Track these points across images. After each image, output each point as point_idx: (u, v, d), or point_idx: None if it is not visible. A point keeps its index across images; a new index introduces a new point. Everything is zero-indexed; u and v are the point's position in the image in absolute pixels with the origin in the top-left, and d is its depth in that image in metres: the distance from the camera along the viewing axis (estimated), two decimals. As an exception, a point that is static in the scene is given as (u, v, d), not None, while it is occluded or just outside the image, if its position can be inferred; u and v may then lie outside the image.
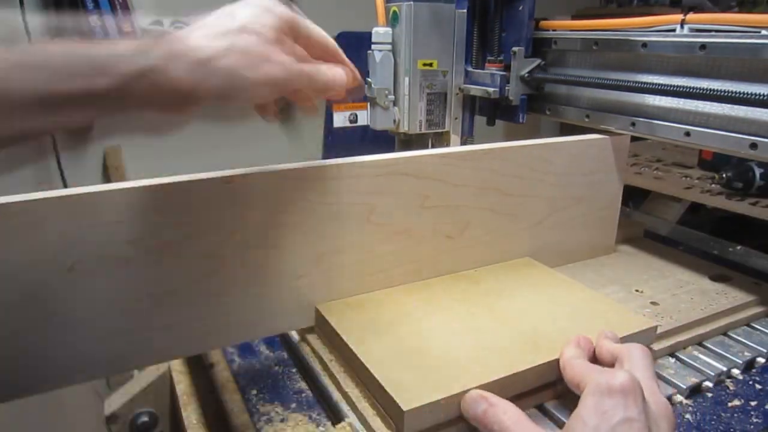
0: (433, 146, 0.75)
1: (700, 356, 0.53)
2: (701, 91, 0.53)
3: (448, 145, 0.75)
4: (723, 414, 0.47)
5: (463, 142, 0.76)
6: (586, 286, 0.57)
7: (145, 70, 0.31)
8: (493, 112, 0.75)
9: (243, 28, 0.35)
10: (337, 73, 0.42)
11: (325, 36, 0.43)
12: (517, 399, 0.45)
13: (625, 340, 0.48)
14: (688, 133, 0.58)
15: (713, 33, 0.54)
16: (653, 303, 0.59)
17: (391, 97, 0.70)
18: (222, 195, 0.45)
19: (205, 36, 0.34)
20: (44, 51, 0.30)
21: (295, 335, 0.57)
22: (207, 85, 0.33)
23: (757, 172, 0.98)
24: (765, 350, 0.54)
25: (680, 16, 0.57)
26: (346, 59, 0.45)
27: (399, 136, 0.75)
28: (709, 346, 0.55)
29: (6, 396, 0.41)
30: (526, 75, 0.69)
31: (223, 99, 0.35)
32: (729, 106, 0.54)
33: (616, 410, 0.32)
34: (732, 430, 0.45)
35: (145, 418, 0.65)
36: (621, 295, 0.61)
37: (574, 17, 0.73)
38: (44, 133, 0.32)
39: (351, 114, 0.71)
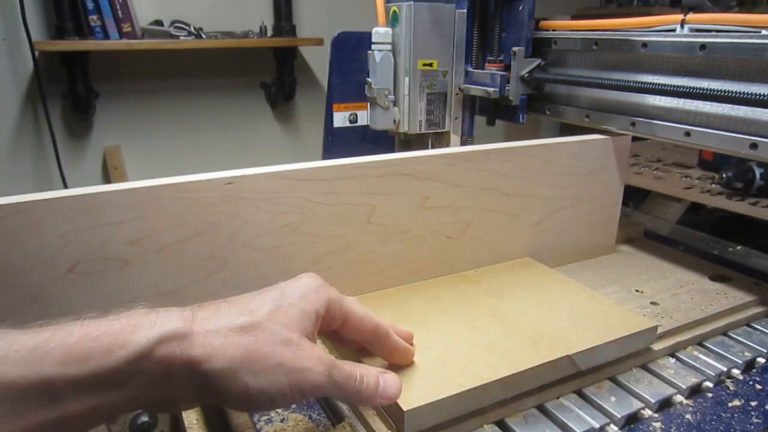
0: (433, 146, 0.75)
1: (700, 356, 0.53)
2: (701, 91, 0.53)
3: (448, 145, 0.75)
4: (723, 414, 0.47)
5: (463, 143, 0.76)
6: (586, 286, 0.57)
7: (167, 335, 0.29)
8: (493, 112, 0.75)
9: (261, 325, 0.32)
10: (390, 383, 0.38)
11: (368, 318, 0.38)
12: (517, 399, 0.45)
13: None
14: (688, 133, 0.58)
15: (713, 33, 0.54)
16: (653, 303, 0.59)
17: (391, 97, 0.70)
18: (222, 195, 0.45)
19: (234, 315, 0.31)
20: (56, 331, 0.28)
21: (295, 335, 0.57)
22: (222, 355, 0.30)
23: (757, 172, 0.98)
24: (765, 350, 0.54)
25: (680, 16, 0.57)
26: (399, 342, 0.41)
27: (399, 136, 0.75)
28: (709, 346, 0.55)
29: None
30: (526, 75, 0.69)
31: (225, 394, 0.31)
32: (729, 106, 0.54)
33: None
34: (732, 430, 0.45)
35: (145, 418, 0.65)
36: (621, 295, 0.61)
37: (574, 17, 0.73)
38: None
39: (351, 114, 0.71)
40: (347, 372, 0.35)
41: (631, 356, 0.50)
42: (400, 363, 0.42)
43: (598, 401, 0.46)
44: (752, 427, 0.45)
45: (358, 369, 0.36)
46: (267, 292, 0.35)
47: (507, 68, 0.70)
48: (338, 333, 0.39)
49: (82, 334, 0.28)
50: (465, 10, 0.69)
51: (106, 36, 1.73)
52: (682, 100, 0.58)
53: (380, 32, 0.68)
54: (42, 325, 0.28)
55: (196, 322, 0.31)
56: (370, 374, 0.37)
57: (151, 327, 0.29)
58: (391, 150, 0.76)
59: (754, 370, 0.53)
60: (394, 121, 0.71)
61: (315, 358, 0.33)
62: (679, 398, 0.48)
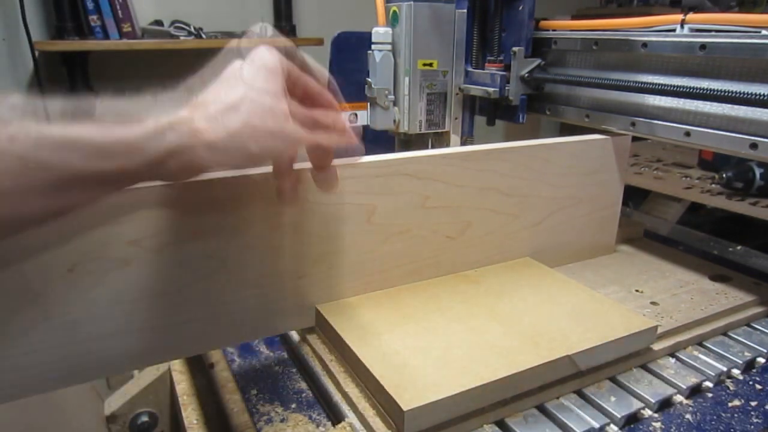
0: (433, 146, 0.75)
1: (700, 356, 0.53)
2: (701, 91, 0.53)
3: (448, 145, 0.75)
4: (723, 414, 0.47)
5: (463, 142, 0.76)
6: (586, 286, 0.57)
7: (172, 151, 0.33)
8: (493, 112, 0.75)
9: (245, 98, 0.36)
10: (339, 122, 0.42)
11: (316, 86, 0.42)
12: (517, 399, 0.45)
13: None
14: (688, 133, 0.58)
15: (713, 33, 0.54)
16: (653, 303, 0.59)
17: (391, 97, 0.70)
18: (222, 195, 0.45)
19: (215, 112, 0.35)
20: (80, 130, 0.31)
21: (295, 335, 0.57)
22: (225, 161, 0.36)
23: (757, 172, 0.98)
24: (765, 350, 0.54)
25: (680, 16, 0.57)
26: (335, 104, 0.44)
27: (399, 136, 0.75)
28: (709, 346, 0.55)
29: (7, 396, 0.41)
30: (526, 75, 0.69)
31: (237, 160, 0.36)
32: (729, 106, 0.54)
33: None
34: (732, 430, 0.45)
35: (145, 418, 0.65)
36: (621, 295, 0.61)
37: (574, 17, 0.73)
38: (68, 212, 0.33)
39: (351, 114, 0.71)
40: (322, 121, 0.40)
41: (631, 356, 0.50)
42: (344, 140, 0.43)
43: (598, 401, 0.46)
44: (752, 427, 0.45)
45: (330, 114, 0.41)
46: (233, 68, 0.38)
47: (507, 68, 0.70)
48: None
49: (105, 133, 0.31)
50: (465, 10, 0.69)
51: (106, 36, 1.72)
52: (682, 100, 0.58)
53: (380, 32, 0.68)
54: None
55: (197, 108, 0.35)
56: (338, 118, 0.42)
57: (161, 114, 0.33)
58: (391, 150, 0.76)
59: (754, 370, 0.53)
60: (394, 121, 0.71)
61: (293, 125, 0.37)
62: (679, 398, 0.48)
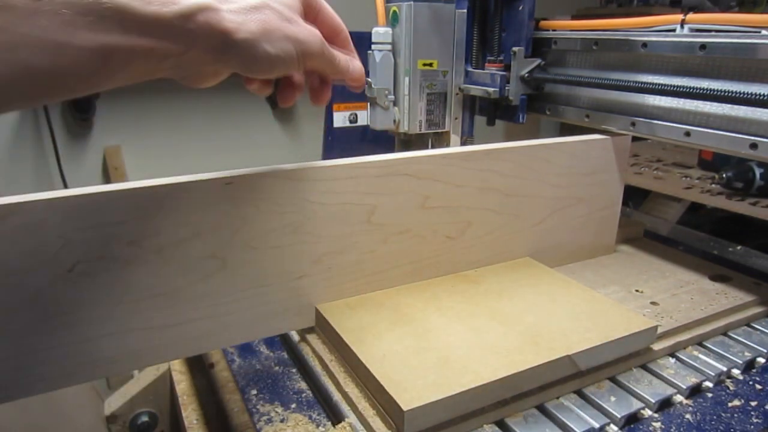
0: (433, 146, 0.75)
1: (700, 356, 0.53)
2: (701, 91, 0.53)
3: (448, 145, 0.75)
4: (723, 414, 0.47)
5: (463, 142, 0.76)
6: (586, 286, 0.57)
7: (203, 6, 0.34)
8: (493, 112, 0.75)
9: (267, 3, 0.38)
10: (357, 67, 0.46)
11: (337, 19, 0.45)
12: (517, 399, 0.45)
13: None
14: (688, 133, 0.58)
15: (713, 33, 0.54)
16: (653, 303, 0.59)
17: (391, 97, 0.70)
18: (222, 195, 0.45)
19: (238, 8, 0.37)
20: None
21: (295, 335, 0.57)
22: (246, 28, 0.36)
23: (757, 172, 0.98)
24: (765, 350, 0.54)
25: (680, 16, 0.57)
26: (353, 49, 0.47)
27: (399, 136, 0.75)
28: (709, 346, 0.55)
29: (6, 396, 0.41)
30: (526, 75, 0.69)
31: (252, 60, 0.38)
32: (729, 106, 0.54)
33: None
34: (732, 430, 0.45)
35: (145, 418, 0.65)
36: (621, 295, 0.61)
37: (574, 17, 0.73)
38: (106, 70, 0.33)
39: (351, 114, 0.71)
40: (330, 50, 0.43)
41: (631, 356, 0.50)
42: (348, 69, 0.46)
43: (598, 401, 0.46)
44: (752, 427, 0.45)
45: (337, 51, 0.45)
46: None
47: (507, 68, 0.70)
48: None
49: None
50: (465, 10, 0.69)
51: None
52: (682, 100, 0.58)
53: (380, 32, 0.68)
54: None
55: (223, 2, 0.36)
56: (343, 56, 0.45)
57: None
58: (391, 150, 0.76)
59: (754, 370, 0.53)
60: (394, 121, 0.71)
61: (312, 32, 0.41)
62: (679, 398, 0.48)
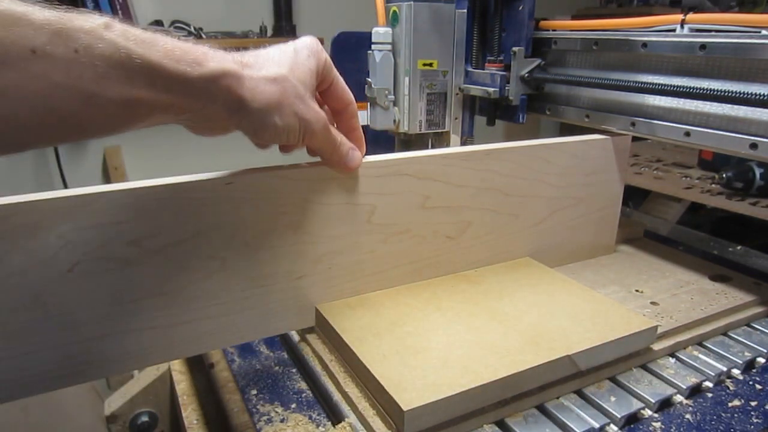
0: (433, 146, 0.75)
1: (700, 356, 0.53)
2: (701, 91, 0.53)
3: (448, 145, 0.75)
4: (723, 414, 0.47)
5: (463, 142, 0.76)
6: (586, 286, 0.57)
7: (227, 72, 0.37)
8: (493, 112, 0.75)
9: (286, 78, 0.41)
10: (356, 158, 0.49)
11: (348, 93, 0.47)
12: (517, 399, 0.45)
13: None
14: (688, 133, 0.58)
15: (713, 33, 0.54)
16: (653, 303, 0.59)
17: (391, 97, 0.70)
18: (222, 195, 0.45)
19: (258, 78, 0.39)
20: (156, 35, 0.35)
21: (295, 335, 0.57)
22: (262, 98, 0.39)
23: (757, 172, 0.98)
24: (765, 350, 0.54)
25: (680, 16, 0.57)
26: (359, 126, 0.50)
27: (399, 136, 0.75)
28: (709, 346, 0.55)
29: (6, 396, 0.41)
30: (526, 75, 0.69)
31: (260, 127, 0.40)
32: (729, 106, 0.54)
33: None
34: (732, 430, 0.45)
35: (145, 418, 0.65)
36: (621, 295, 0.61)
37: (574, 17, 0.73)
38: (131, 118, 0.35)
39: (351, 114, 0.71)
40: (333, 133, 0.46)
41: (631, 356, 0.50)
42: (346, 157, 0.48)
43: (598, 401, 0.46)
44: (752, 427, 0.45)
45: (339, 136, 0.47)
46: (284, 47, 0.43)
47: (507, 68, 0.70)
48: (320, 95, 0.47)
49: (174, 44, 0.35)
50: (465, 10, 0.69)
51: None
52: (682, 100, 0.58)
53: (380, 32, 0.68)
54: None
55: (245, 68, 0.39)
56: (345, 144, 0.48)
57: (219, 60, 0.37)
58: (391, 150, 0.76)
59: (754, 370, 0.53)
60: (394, 121, 0.71)
61: (318, 114, 0.43)
62: (679, 398, 0.48)
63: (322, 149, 0.46)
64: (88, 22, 0.31)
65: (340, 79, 0.46)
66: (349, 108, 0.48)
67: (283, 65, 0.41)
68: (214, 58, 0.36)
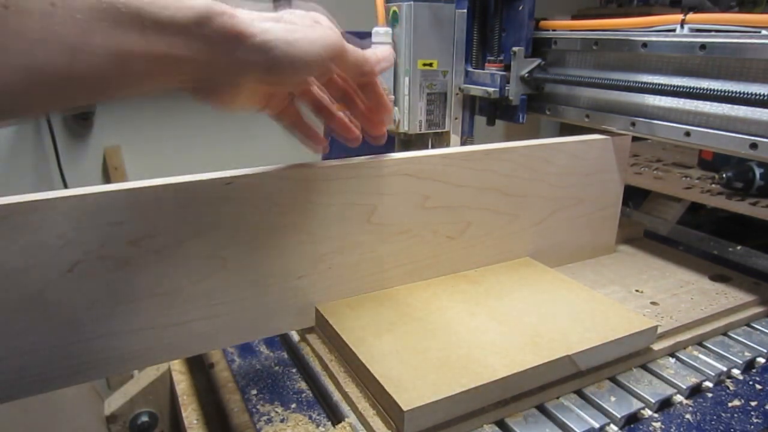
0: (433, 146, 0.75)
1: (700, 356, 0.53)
2: (701, 91, 0.53)
3: (448, 145, 0.75)
4: (723, 414, 0.47)
5: (463, 142, 0.76)
6: (586, 286, 0.57)
7: (218, 11, 0.34)
8: (493, 112, 0.75)
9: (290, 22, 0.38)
10: (380, 48, 0.46)
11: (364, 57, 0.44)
12: (517, 399, 0.45)
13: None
14: (688, 133, 0.58)
15: (713, 33, 0.54)
16: (653, 303, 0.59)
17: (391, 97, 0.70)
18: (222, 195, 0.45)
19: (258, 17, 0.37)
20: None
21: (295, 335, 0.57)
22: (263, 32, 0.36)
23: (757, 172, 0.98)
24: (765, 350, 0.54)
25: (680, 16, 0.57)
26: (381, 90, 0.48)
27: (399, 136, 0.75)
28: (709, 346, 0.55)
29: (6, 396, 0.41)
30: (526, 75, 0.69)
31: (272, 66, 0.37)
32: (729, 106, 0.54)
33: None
34: (732, 430, 0.45)
35: (145, 418, 0.65)
36: (621, 295, 0.61)
37: (574, 17, 0.73)
38: (125, 74, 0.33)
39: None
40: (353, 46, 0.42)
41: (631, 356, 0.50)
42: (380, 56, 0.46)
43: (598, 401, 0.46)
44: (752, 427, 0.45)
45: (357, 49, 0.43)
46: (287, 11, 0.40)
47: (507, 68, 0.70)
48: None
49: None
50: (465, 10, 0.69)
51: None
52: (682, 100, 0.58)
53: (380, 32, 0.68)
54: None
55: (237, 10, 0.35)
56: (369, 50, 0.45)
57: (207, 1, 0.34)
58: (391, 150, 0.76)
59: (754, 370, 0.53)
60: (394, 121, 0.71)
61: (335, 31, 0.40)
62: (679, 398, 0.48)
63: (354, 64, 0.43)
64: None
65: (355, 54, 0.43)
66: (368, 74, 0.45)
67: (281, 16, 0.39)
68: (202, 0, 0.34)
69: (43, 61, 0.29)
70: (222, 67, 0.35)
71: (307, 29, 0.38)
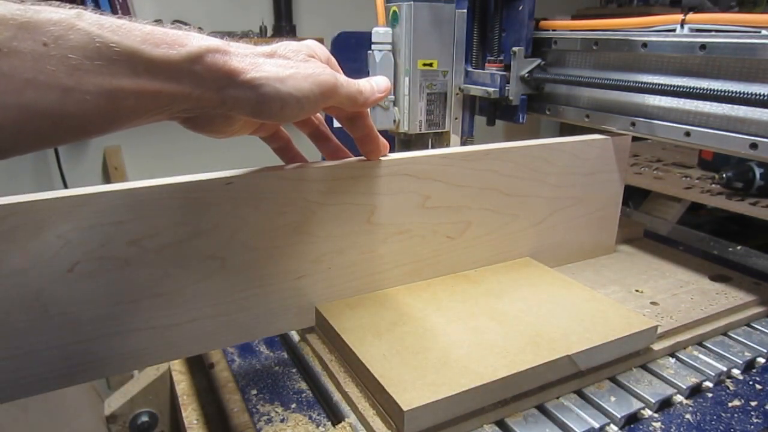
0: (433, 146, 0.75)
1: (700, 356, 0.53)
2: (701, 91, 0.53)
3: (448, 145, 0.75)
4: (723, 414, 0.47)
5: (463, 142, 0.76)
6: (586, 286, 0.57)
7: (211, 48, 0.34)
8: (493, 112, 0.75)
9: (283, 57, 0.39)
10: (379, 80, 0.45)
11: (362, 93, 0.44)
12: (517, 399, 0.45)
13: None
14: (688, 133, 0.58)
15: (713, 33, 0.54)
16: (653, 303, 0.59)
17: (391, 97, 0.70)
18: (222, 195, 0.45)
19: (250, 54, 0.37)
20: (132, 22, 0.33)
21: (295, 335, 0.57)
22: (253, 69, 0.36)
23: (757, 172, 0.98)
24: (765, 350, 0.54)
25: (680, 16, 0.57)
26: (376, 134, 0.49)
27: (399, 136, 0.75)
28: (709, 346, 0.55)
29: (6, 396, 0.41)
30: (526, 75, 0.69)
31: (262, 103, 0.36)
32: (729, 106, 0.54)
33: None
34: (732, 430, 0.45)
35: (145, 418, 0.65)
36: (621, 295, 0.61)
37: (574, 17, 0.73)
38: (115, 110, 0.33)
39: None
40: (347, 79, 0.42)
41: (631, 356, 0.50)
42: (374, 88, 0.45)
43: (598, 401, 0.46)
44: (752, 427, 0.45)
45: (353, 80, 0.43)
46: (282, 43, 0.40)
47: (507, 68, 0.70)
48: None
49: (152, 28, 0.33)
50: (465, 10, 0.69)
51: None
52: (682, 100, 0.58)
53: (380, 32, 0.68)
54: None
55: (231, 46, 0.36)
56: (360, 81, 0.44)
57: (201, 39, 0.34)
58: (391, 150, 0.75)
59: (754, 370, 0.53)
60: (394, 121, 0.71)
61: (324, 67, 0.40)
62: (679, 398, 0.48)
63: (347, 99, 0.42)
64: (57, 13, 0.29)
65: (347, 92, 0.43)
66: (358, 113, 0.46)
67: (275, 48, 0.39)
68: (195, 38, 0.34)
69: (34, 101, 0.29)
70: (213, 103, 0.35)
71: (300, 64, 0.38)
